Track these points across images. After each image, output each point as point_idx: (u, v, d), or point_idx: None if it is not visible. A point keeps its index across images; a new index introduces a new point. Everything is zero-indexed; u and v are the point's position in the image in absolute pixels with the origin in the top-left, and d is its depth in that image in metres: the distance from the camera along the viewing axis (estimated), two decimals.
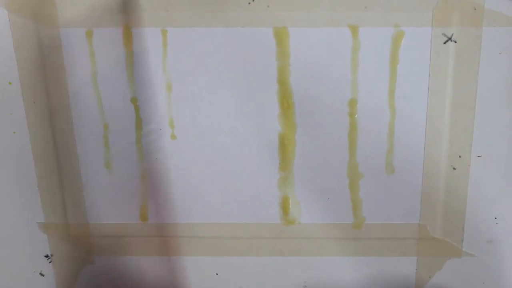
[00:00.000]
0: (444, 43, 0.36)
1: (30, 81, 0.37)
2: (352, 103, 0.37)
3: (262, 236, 0.40)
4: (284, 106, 0.37)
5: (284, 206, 0.39)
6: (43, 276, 0.42)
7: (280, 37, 0.36)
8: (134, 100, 0.37)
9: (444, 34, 0.35)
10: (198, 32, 0.35)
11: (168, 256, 0.41)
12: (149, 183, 0.39)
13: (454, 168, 0.38)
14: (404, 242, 0.40)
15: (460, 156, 0.38)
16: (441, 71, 0.36)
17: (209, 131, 0.38)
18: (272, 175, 0.39)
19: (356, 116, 0.37)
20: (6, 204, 0.40)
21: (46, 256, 0.41)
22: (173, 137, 0.38)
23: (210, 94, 0.37)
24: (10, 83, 0.37)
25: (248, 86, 0.37)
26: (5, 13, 0.35)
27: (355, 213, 0.39)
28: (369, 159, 0.38)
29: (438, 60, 0.36)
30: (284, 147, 0.38)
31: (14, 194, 0.40)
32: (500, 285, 0.41)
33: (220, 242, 0.41)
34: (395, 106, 0.37)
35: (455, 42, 0.35)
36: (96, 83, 0.37)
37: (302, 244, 0.40)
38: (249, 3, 0.35)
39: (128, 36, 0.36)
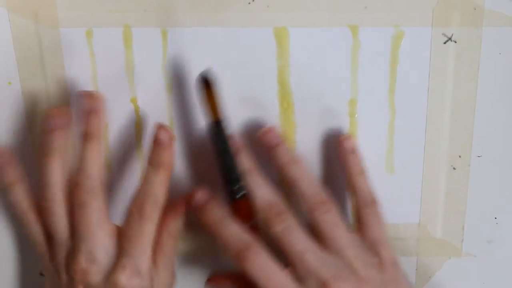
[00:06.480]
0: (444, 43, 0.36)
1: (30, 81, 0.37)
2: (352, 103, 0.37)
3: None
4: (284, 106, 0.37)
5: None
6: (43, 276, 0.42)
7: (280, 37, 0.36)
8: (134, 100, 0.37)
9: (444, 34, 0.35)
10: (198, 32, 0.35)
11: None
12: None
13: (454, 168, 0.38)
14: (404, 242, 0.40)
15: (460, 156, 0.38)
16: (441, 71, 0.36)
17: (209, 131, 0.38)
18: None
19: (356, 116, 0.37)
20: (6, 204, 0.40)
21: None
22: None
23: None
24: (10, 83, 0.37)
25: (248, 86, 0.37)
26: (5, 13, 0.35)
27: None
28: (369, 159, 0.38)
29: (438, 60, 0.36)
30: None
31: None
32: (500, 285, 0.41)
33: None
34: (395, 106, 0.37)
35: (455, 42, 0.35)
36: (96, 83, 0.37)
37: None
38: (249, 3, 0.35)
39: (128, 36, 0.36)
